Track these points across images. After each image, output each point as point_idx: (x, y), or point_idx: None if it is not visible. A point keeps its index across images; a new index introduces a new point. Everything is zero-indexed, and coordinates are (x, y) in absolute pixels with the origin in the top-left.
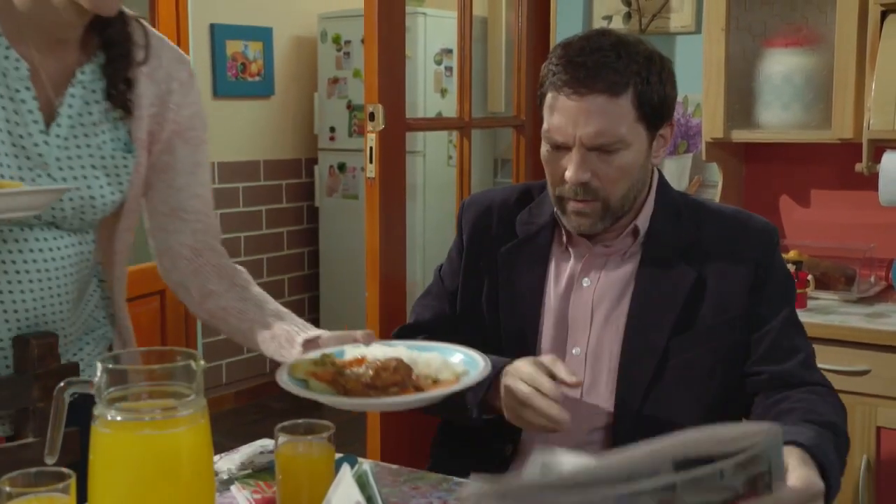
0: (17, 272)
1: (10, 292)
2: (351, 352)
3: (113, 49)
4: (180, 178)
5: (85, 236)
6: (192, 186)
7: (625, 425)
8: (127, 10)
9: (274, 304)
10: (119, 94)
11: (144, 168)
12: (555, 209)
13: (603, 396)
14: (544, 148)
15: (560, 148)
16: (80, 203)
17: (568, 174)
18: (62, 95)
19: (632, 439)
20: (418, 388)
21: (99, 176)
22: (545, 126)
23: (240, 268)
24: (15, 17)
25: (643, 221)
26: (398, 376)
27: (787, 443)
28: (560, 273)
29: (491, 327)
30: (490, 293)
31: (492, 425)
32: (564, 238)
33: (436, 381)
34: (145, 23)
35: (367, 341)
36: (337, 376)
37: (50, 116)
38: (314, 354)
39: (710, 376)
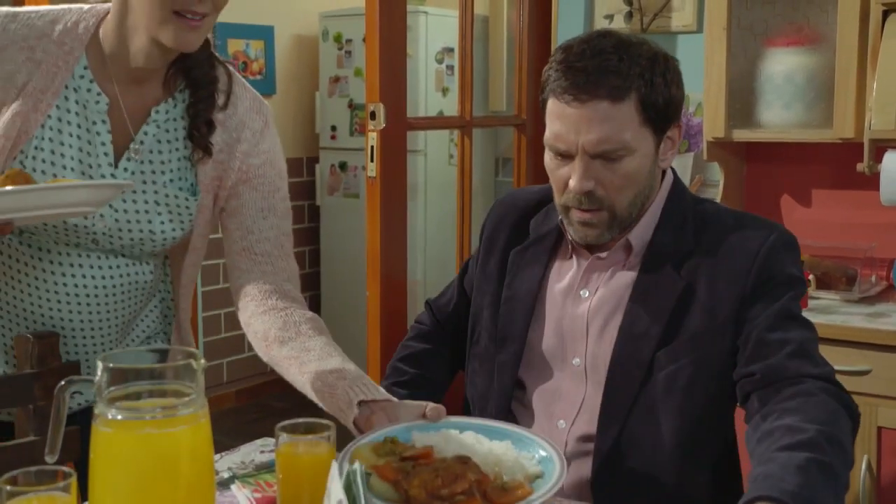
0: (68, 294)
1: (59, 311)
2: (418, 437)
3: (198, 90)
4: (248, 221)
5: (144, 266)
6: (261, 230)
7: (607, 438)
8: (217, 54)
9: (336, 360)
10: (201, 136)
11: (209, 210)
12: (560, 218)
13: (599, 409)
14: (547, 156)
15: (563, 156)
16: (140, 237)
17: (571, 183)
18: (136, 132)
19: (612, 452)
20: (485, 496)
21: (161, 213)
22: (547, 133)
23: (310, 315)
24: (101, 54)
25: (640, 233)
26: (466, 484)
27: (761, 498)
28: (561, 279)
29: (490, 327)
30: (496, 292)
31: None
32: (570, 246)
33: (503, 487)
34: (232, 68)
35: (436, 418)
36: (400, 477)
37: (120, 151)
38: (377, 437)
39: (695, 387)
